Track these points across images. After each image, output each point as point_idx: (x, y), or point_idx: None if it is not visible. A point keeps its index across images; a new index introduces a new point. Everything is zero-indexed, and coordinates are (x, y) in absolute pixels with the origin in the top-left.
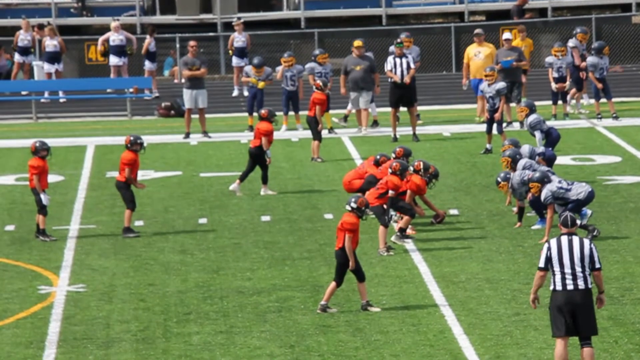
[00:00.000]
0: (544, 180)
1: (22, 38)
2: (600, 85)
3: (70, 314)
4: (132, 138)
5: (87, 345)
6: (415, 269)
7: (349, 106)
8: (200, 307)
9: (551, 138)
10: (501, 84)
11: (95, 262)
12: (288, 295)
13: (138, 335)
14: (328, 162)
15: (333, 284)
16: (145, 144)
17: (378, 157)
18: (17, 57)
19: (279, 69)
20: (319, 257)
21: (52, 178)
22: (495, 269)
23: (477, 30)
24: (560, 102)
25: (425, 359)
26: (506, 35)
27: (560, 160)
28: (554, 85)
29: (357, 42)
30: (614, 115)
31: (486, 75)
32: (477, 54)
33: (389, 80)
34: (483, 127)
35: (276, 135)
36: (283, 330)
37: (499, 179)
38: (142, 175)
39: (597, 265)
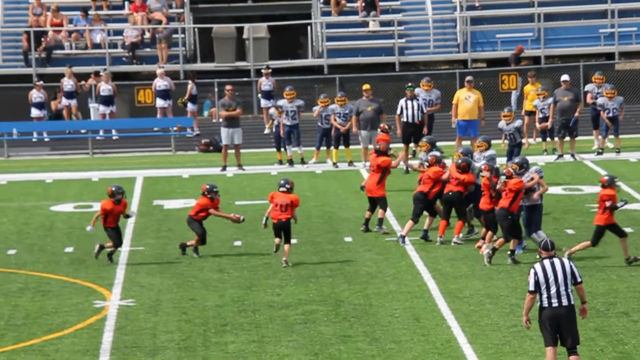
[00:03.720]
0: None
1: (66, 84)
2: (609, 123)
3: (122, 325)
4: (207, 187)
5: (136, 352)
6: (425, 286)
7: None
8: (235, 319)
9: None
10: (518, 122)
11: (144, 280)
12: (312, 309)
13: (181, 344)
14: (348, 192)
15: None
16: (216, 190)
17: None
18: (64, 101)
19: (316, 108)
20: (340, 275)
21: None
22: (496, 285)
23: (468, 78)
24: (548, 139)
25: None
26: (564, 77)
27: (552, 190)
28: (538, 125)
29: (366, 86)
30: (617, 150)
31: (504, 116)
32: (468, 98)
33: (402, 120)
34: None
35: (303, 167)
36: (308, 339)
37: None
38: (184, 203)
39: (579, 280)
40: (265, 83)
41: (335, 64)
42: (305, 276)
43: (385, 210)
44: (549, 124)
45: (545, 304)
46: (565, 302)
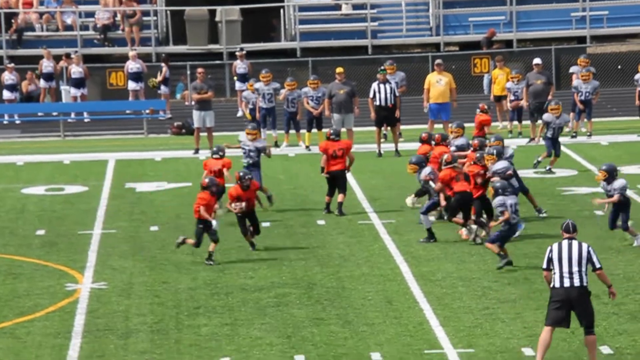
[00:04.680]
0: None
1: (46, 65)
2: (581, 106)
3: (94, 308)
4: (241, 174)
5: (108, 335)
6: (397, 269)
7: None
8: (208, 302)
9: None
10: (566, 117)
11: (116, 263)
12: (285, 292)
13: (153, 327)
14: (319, 176)
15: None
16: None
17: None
18: (43, 83)
19: (283, 92)
20: (313, 258)
21: (77, 188)
22: (468, 268)
23: (438, 61)
24: (515, 122)
25: (406, 348)
26: (536, 60)
27: (523, 173)
28: (509, 104)
29: (339, 69)
30: (589, 133)
31: (552, 109)
32: (439, 81)
33: (375, 104)
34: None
35: (276, 150)
36: (281, 322)
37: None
38: (156, 186)
39: (598, 266)
40: (240, 66)
41: (308, 47)
42: (278, 259)
43: (345, 193)
44: (522, 102)
45: (558, 283)
46: (577, 282)
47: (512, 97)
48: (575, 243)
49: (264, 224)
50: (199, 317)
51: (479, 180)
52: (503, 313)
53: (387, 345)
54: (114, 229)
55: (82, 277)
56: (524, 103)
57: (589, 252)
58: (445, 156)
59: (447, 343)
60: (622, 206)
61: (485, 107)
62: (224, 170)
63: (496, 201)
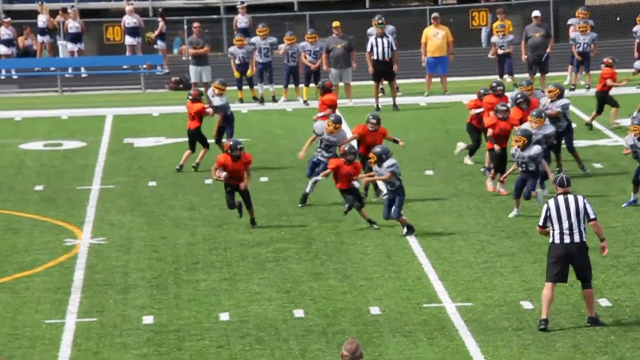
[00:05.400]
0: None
1: (40, 19)
2: (579, 58)
3: (93, 264)
4: (231, 143)
5: (107, 290)
6: (395, 223)
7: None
8: (207, 257)
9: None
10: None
11: (114, 218)
12: (284, 247)
13: (152, 282)
14: None
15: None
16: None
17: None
18: (38, 38)
19: (282, 46)
20: (311, 213)
21: (75, 144)
22: (466, 222)
23: (434, 15)
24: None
25: (405, 302)
26: (535, 13)
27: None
28: (491, 54)
29: (336, 23)
30: (587, 86)
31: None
32: (436, 35)
33: (372, 58)
34: (450, 98)
35: (274, 105)
36: (280, 277)
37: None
38: (154, 141)
39: (592, 216)
40: (242, 20)
41: (306, 0)
42: (277, 214)
43: None
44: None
45: (557, 239)
46: (577, 238)
47: (500, 52)
48: (571, 197)
49: (262, 179)
50: (197, 272)
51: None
52: (501, 267)
53: (386, 300)
54: (112, 185)
55: (80, 232)
56: (522, 56)
57: (584, 204)
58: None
59: (446, 297)
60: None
61: (610, 60)
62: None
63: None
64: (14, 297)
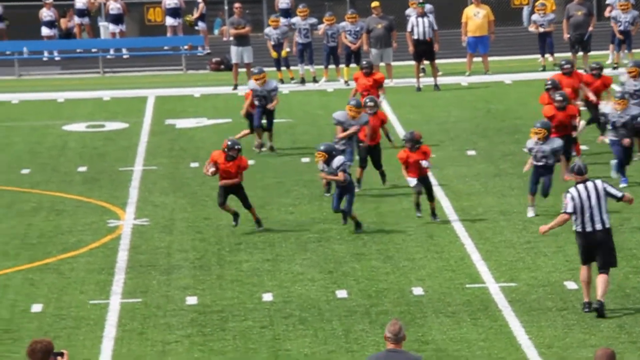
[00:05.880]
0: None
1: (78, 1)
2: (621, 37)
3: (136, 244)
4: (229, 143)
5: (150, 271)
6: (438, 203)
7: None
8: (249, 238)
9: None
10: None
11: (157, 199)
12: (326, 228)
13: (195, 263)
14: None
15: None
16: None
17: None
18: (77, 19)
19: (322, 26)
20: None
21: (117, 125)
22: (509, 202)
23: None
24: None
25: (447, 282)
26: None
27: None
28: (531, 27)
29: (375, 3)
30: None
31: (630, 72)
32: (477, 14)
33: (413, 38)
34: (492, 78)
35: (315, 86)
36: (322, 257)
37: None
38: (196, 122)
39: (619, 196)
40: (283, 1)
41: None
42: (319, 195)
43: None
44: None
45: (579, 228)
46: (599, 226)
47: (541, 30)
48: (590, 185)
49: (304, 160)
50: (240, 253)
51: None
52: (545, 247)
53: (428, 280)
54: (154, 166)
55: (124, 213)
56: (564, 35)
57: (604, 189)
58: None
59: (489, 277)
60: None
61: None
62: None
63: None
64: (59, 278)
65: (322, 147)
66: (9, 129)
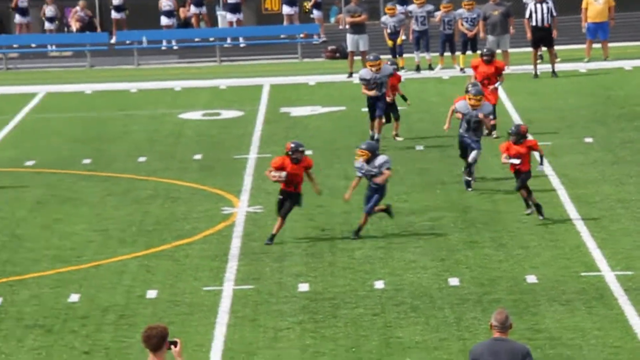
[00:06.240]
0: None
1: None
2: None
3: (250, 232)
4: (292, 145)
5: (263, 258)
6: (553, 191)
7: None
8: (369, 226)
9: None
10: None
11: (271, 187)
12: (439, 215)
13: (308, 250)
14: None
15: None
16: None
17: None
18: (193, 9)
19: (438, 14)
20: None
21: (233, 113)
22: (627, 190)
23: None
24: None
25: (562, 270)
26: None
27: None
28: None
29: None
30: None
31: None
32: (597, 0)
33: (531, 24)
34: (611, 64)
35: (430, 73)
36: (435, 245)
37: None
38: (311, 110)
39: None
40: None
41: None
42: (432, 182)
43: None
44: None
45: None
46: None
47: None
48: None
49: (418, 147)
50: (353, 240)
51: None
52: None
53: (542, 268)
54: (269, 154)
55: (238, 200)
56: None
57: None
58: None
59: (605, 265)
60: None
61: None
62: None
63: None
64: (173, 265)
65: (364, 146)
66: (127, 117)
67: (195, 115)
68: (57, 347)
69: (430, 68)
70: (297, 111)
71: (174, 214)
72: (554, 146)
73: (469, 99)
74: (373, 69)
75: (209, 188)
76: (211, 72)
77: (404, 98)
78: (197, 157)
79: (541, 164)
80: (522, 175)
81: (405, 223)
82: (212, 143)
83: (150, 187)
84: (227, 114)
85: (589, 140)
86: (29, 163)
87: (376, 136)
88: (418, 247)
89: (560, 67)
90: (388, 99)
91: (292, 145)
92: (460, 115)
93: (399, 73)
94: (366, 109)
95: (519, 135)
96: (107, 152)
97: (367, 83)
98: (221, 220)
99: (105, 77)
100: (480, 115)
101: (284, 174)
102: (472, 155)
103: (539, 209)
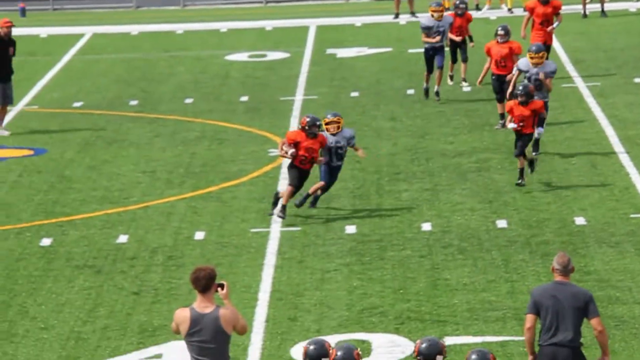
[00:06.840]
0: None
1: None
2: None
3: None
4: (308, 119)
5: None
6: (602, 132)
7: None
8: (408, 167)
9: None
10: None
11: None
12: (487, 157)
13: (355, 192)
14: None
15: None
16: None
17: None
18: None
19: None
20: None
21: (279, 55)
22: None
23: None
24: None
25: (611, 212)
26: None
27: None
28: None
29: None
30: None
31: None
32: None
33: None
34: None
35: (477, 14)
36: (482, 187)
37: None
38: (357, 51)
39: None
40: None
41: None
42: (479, 124)
43: None
44: None
45: None
46: None
47: None
48: None
49: (465, 89)
50: (399, 182)
51: None
52: None
53: (591, 210)
54: (315, 95)
55: None
56: None
57: None
58: None
59: None
60: None
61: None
62: None
63: None
64: (220, 206)
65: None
66: (173, 58)
67: (241, 56)
68: (106, 288)
69: (478, 8)
70: (343, 52)
71: (220, 155)
72: (603, 86)
73: (531, 57)
74: (435, 14)
75: (255, 130)
76: (257, 13)
77: (471, 39)
78: (244, 98)
79: (541, 126)
80: (524, 138)
81: (452, 164)
82: (258, 85)
83: (197, 129)
84: (273, 55)
85: (638, 80)
86: (76, 104)
87: (436, 88)
88: (465, 188)
89: (609, 6)
90: (458, 39)
91: (308, 119)
92: (516, 73)
93: (469, 12)
94: (414, 50)
95: (528, 96)
96: (153, 94)
97: (428, 31)
98: (268, 162)
99: (151, 18)
100: (541, 75)
101: (291, 150)
102: (538, 130)
103: (531, 164)
